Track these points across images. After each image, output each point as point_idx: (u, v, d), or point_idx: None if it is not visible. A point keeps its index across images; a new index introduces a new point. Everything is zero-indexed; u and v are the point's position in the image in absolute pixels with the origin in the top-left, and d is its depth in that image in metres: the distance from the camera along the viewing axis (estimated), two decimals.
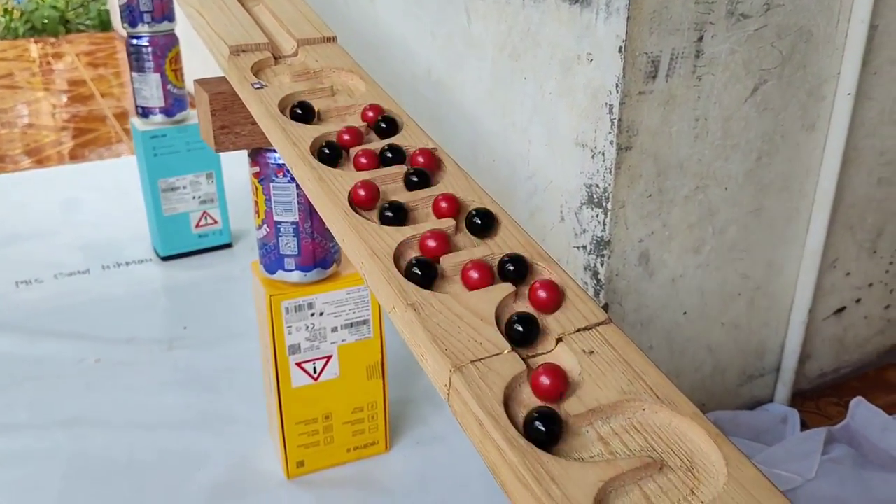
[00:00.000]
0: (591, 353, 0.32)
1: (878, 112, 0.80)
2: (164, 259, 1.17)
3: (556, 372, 0.30)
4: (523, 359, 0.32)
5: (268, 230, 0.65)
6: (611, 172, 0.68)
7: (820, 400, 0.85)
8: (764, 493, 0.26)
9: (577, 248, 0.70)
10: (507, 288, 0.36)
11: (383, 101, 0.51)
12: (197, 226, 1.18)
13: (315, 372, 0.71)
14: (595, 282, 0.68)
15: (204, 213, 1.18)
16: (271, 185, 0.63)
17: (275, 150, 0.59)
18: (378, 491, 0.73)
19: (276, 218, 0.64)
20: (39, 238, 1.24)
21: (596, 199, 0.70)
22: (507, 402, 0.30)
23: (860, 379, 0.88)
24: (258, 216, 0.66)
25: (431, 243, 0.37)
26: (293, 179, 0.62)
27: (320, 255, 0.66)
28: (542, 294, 0.34)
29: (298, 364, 0.70)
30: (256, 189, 0.65)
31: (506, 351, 0.32)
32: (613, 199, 0.68)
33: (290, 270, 0.66)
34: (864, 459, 0.75)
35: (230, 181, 1.18)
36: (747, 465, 0.28)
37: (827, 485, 0.71)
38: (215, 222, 1.19)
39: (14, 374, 0.89)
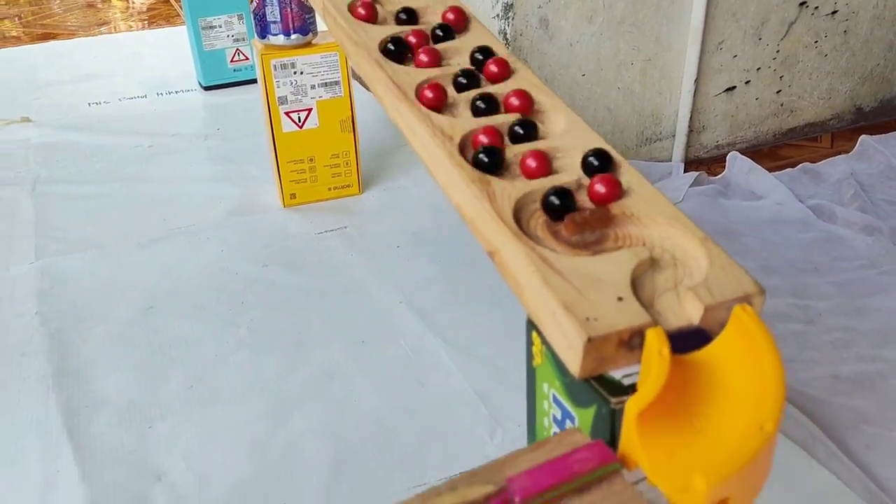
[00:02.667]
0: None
1: None
2: (206, 88, 1.43)
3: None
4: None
5: (257, 1, 0.88)
6: None
7: (712, 165, 1.05)
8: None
9: (493, 17, 0.91)
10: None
11: None
12: (231, 61, 1.43)
13: (300, 121, 0.95)
14: (505, 42, 0.88)
15: (237, 49, 1.42)
16: None
17: None
18: (351, 214, 0.97)
19: None
20: (107, 77, 1.51)
21: None
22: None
23: (754, 153, 1.07)
24: None
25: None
26: None
27: (298, 23, 0.89)
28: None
29: (286, 113, 0.93)
30: None
31: None
32: None
33: (276, 35, 0.89)
34: (727, 192, 0.95)
35: None
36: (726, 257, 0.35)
37: (688, 206, 0.92)
38: (246, 58, 1.43)
39: (83, 153, 1.16)
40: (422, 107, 0.44)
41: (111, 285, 0.83)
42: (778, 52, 1.04)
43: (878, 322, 0.72)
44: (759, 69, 1.04)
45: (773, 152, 1.09)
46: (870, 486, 0.56)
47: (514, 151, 0.41)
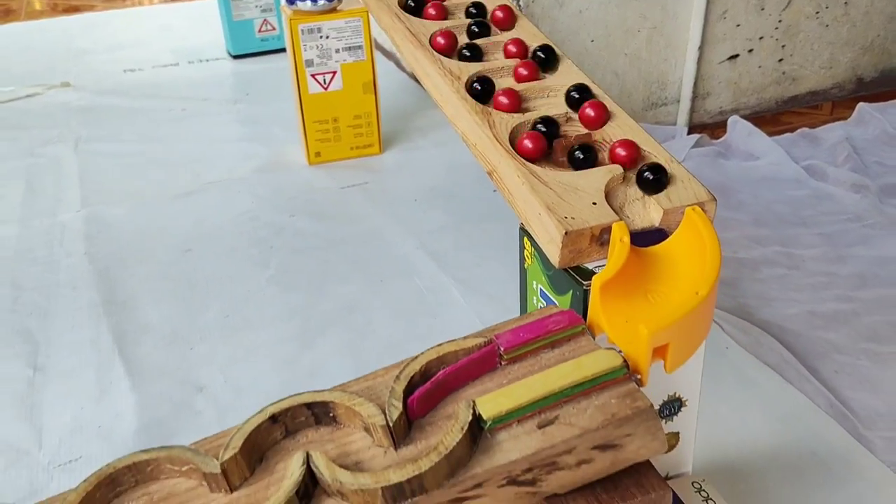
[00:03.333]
0: None
1: None
2: (235, 57, 1.49)
3: None
4: None
5: None
6: None
7: (716, 130, 1.10)
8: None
9: None
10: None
11: None
12: (259, 31, 1.49)
13: (325, 83, 1.01)
14: (518, 8, 0.94)
15: (264, 20, 1.48)
16: None
17: None
18: (371, 171, 1.03)
19: None
20: (140, 46, 1.58)
21: None
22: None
23: (757, 119, 1.12)
24: None
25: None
26: None
27: None
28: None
29: (313, 75, 1.00)
30: None
31: None
32: None
33: (304, 1, 0.95)
34: (726, 154, 1.01)
35: None
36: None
37: (688, 165, 0.97)
38: (273, 29, 1.50)
39: (121, 115, 1.23)
40: (434, 52, 0.51)
41: (151, 231, 0.90)
42: (780, 21, 1.09)
43: (857, 267, 0.78)
44: (761, 38, 1.09)
45: (774, 118, 1.14)
46: (835, 403, 0.62)
47: (503, 86, 0.47)
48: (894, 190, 0.91)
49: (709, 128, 1.11)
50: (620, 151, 0.41)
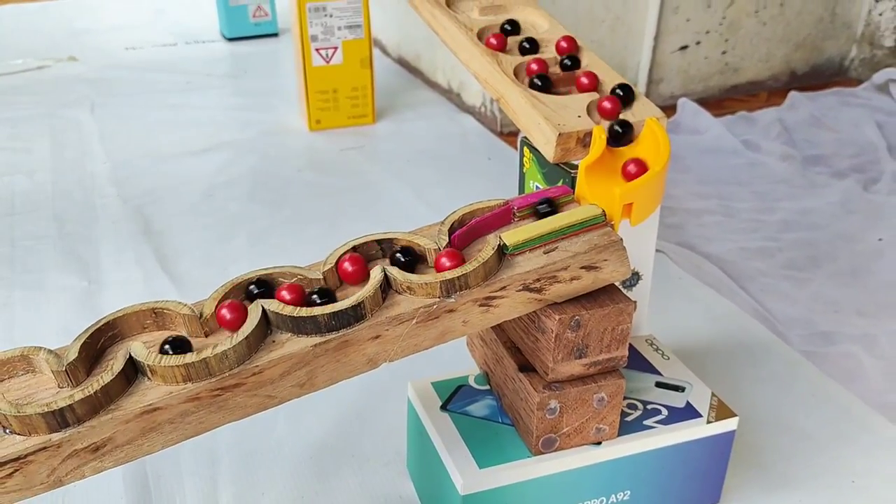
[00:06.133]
0: None
1: None
2: (229, 40, 1.61)
3: None
4: None
5: None
6: None
7: (667, 111, 1.25)
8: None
9: None
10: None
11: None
12: (253, 16, 1.61)
13: (327, 57, 1.14)
14: None
15: (258, 6, 1.60)
16: None
17: None
18: (366, 137, 1.16)
19: None
20: (138, 27, 1.68)
21: None
22: None
23: (703, 103, 1.27)
24: None
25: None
26: None
27: None
28: None
29: (317, 49, 1.12)
30: None
31: None
32: None
33: None
34: (676, 130, 1.16)
35: None
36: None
37: None
38: (266, 14, 1.62)
39: (130, 86, 1.34)
40: (450, 10, 0.64)
41: (174, 179, 1.01)
42: (724, 18, 1.25)
43: (782, 216, 0.93)
44: (707, 32, 1.24)
45: (718, 103, 1.30)
46: (760, 310, 0.76)
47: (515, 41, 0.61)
48: (817, 160, 1.07)
49: (663, 110, 1.26)
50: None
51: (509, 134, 1.17)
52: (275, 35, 1.64)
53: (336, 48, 1.13)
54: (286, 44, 1.59)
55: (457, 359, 0.59)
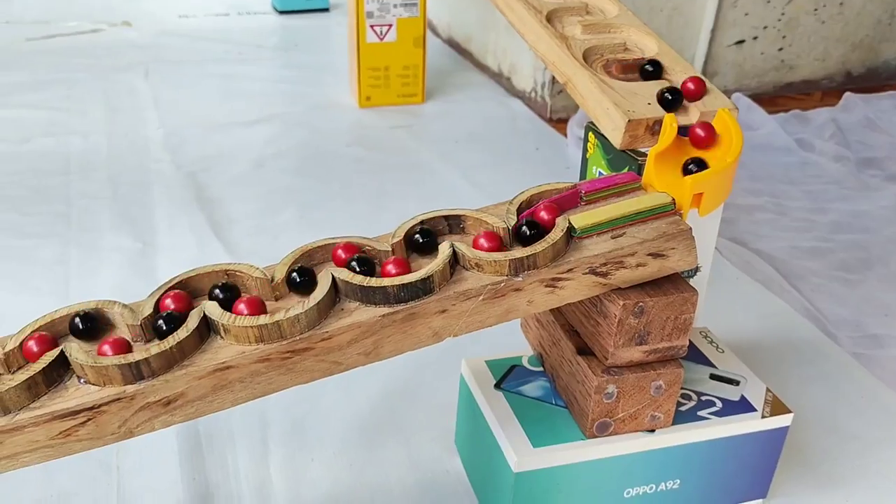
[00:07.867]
0: None
1: None
2: (281, 13, 1.62)
3: None
4: None
5: None
6: None
7: None
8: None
9: None
10: None
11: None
12: None
13: (381, 34, 1.14)
14: None
15: None
16: None
17: None
18: (416, 116, 1.16)
19: None
20: None
21: None
22: None
23: (755, 99, 1.26)
24: None
25: None
26: None
27: None
28: None
29: (371, 26, 1.13)
30: None
31: None
32: None
33: None
34: None
35: None
36: None
37: None
38: None
39: (182, 53, 1.35)
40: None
41: (226, 148, 1.02)
42: (783, 14, 1.23)
43: (834, 217, 0.92)
44: (765, 28, 1.22)
45: (771, 100, 1.28)
46: (810, 309, 0.76)
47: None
48: (871, 163, 1.06)
49: None
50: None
51: (559, 120, 1.17)
52: (325, 10, 1.64)
53: (391, 26, 1.13)
54: (337, 19, 1.59)
55: (505, 340, 0.59)
